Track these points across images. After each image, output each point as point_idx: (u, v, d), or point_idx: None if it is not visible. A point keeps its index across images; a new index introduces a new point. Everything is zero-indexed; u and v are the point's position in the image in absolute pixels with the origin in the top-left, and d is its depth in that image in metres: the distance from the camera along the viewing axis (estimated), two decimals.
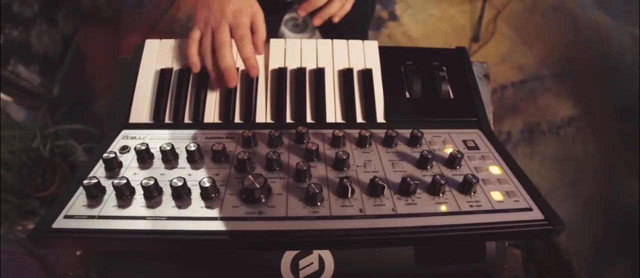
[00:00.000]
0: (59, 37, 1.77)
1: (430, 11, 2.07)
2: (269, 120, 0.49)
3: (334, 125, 0.48)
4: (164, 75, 0.53)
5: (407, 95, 0.52)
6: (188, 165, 0.42)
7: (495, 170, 0.43)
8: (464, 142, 0.47)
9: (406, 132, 0.46)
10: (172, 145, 0.42)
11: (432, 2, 2.11)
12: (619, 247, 1.59)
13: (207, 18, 0.51)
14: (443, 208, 0.37)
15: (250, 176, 0.37)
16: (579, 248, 1.59)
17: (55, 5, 1.74)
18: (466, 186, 0.38)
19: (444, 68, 0.54)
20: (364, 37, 0.95)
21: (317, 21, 0.56)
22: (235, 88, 0.51)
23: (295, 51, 0.54)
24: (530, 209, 0.38)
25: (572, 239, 1.62)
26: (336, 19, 0.58)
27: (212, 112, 0.50)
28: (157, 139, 0.46)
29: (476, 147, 0.47)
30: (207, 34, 0.51)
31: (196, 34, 0.52)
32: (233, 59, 0.50)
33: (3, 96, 1.62)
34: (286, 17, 1.07)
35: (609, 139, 1.81)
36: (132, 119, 0.51)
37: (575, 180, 1.71)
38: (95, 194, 0.37)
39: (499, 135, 1.77)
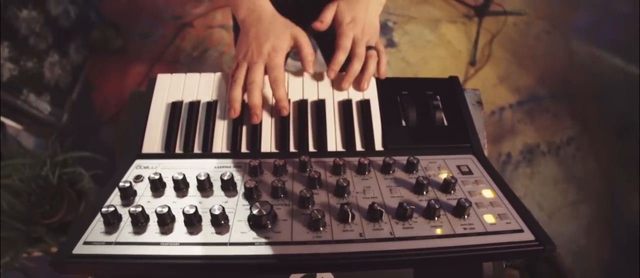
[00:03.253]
0: (69, 68, 1.84)
1: (427, 37, 2.14)
2: (273, 150, 0.52)
3: (335, 154, 0.51)
4: (175, 108, 0.56)
5: (404, 123, 0.55)
6: (198, 194, 0.45)
7: (487, 193, 0.46)
8: (458, 167, 0.50)
9: (403, 159, 0.48)
10: (184, 175, 0.45)
11: (429, 28, 2.19)
12: (624, 267, 1.58)
13: (246, 53, 0.56)
14: (438, 231, 0.39)
15: (257, 203, 0.40)
16: (584, 269, 1.58)
17: (67, 38, 1.83)
18: (460, 210, 0.41)
19: (438, 97, 0.58)
20: None
21: (345, 85, 0.57)
22: (242, 119, 0.54)
23: (297, 84, 0.58)
24: (521, 230, 0.40)
25: (576, 260, 1.61)
26: (365, 86, 0.58)
27: (220, 142, 0.53)
28: (169, 169, 0.49)
29: (470, 172, 0.49)
30: (243, 68, 0.55)
31: (238, 73, 0.55)
32: (260, 99, 0.54)
33: (14, 124, 1.67)
34: None
35: (609, 157, 1.83)
36: (145, 149, 0.54)
37: (577, 200, 1.72)
38: (112, 221, 0.40)
39: (499, 156, 1.80)
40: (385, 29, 2.14)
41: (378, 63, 0.58)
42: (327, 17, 0.59)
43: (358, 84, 0.58)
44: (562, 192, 1.74)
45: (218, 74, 0.61)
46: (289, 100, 0.56)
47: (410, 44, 2.10)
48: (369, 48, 0.58)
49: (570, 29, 2.30)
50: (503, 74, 2.04)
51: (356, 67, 0.56)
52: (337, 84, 0.58)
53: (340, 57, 0.56)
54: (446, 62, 2.06)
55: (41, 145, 1.70)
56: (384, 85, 0.58)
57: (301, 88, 0.58)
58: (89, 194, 1.49)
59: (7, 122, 1.64)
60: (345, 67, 0.58)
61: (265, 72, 0.55)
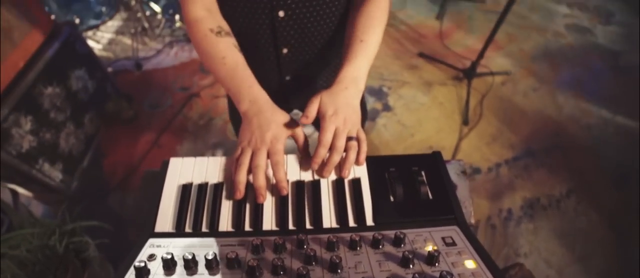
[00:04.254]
0: (83, 137, 1.94)
1: (420, 100, 2.27)
2: (274, 228, 0.58)
3: (330, 230, 0.56)
4: (185, 190, 0.63)
5: (392, 199, 0.61)
6: (206, 272, 0.49)
7: (470, 264, 0.50)
8: (443, 239, 0.54)
9: (391, 233, 0.53)
10: (193, 254, 0.50)
11: (422, 91, 2.32)
12: None
13: (250, 141, 0.63)
14: None
15: None
16: None
17: (84, 110, 1.95)
18: None
19: (423, 172, 0.64)
20: None
21: (326, 174, 0.63)
22: (245, 199, 0.60)
23: (295, 166, 0.65)
24: None
25: None
26: (346, 173, 0.63)
27: (226, 221, 0.59)
28: (179, 247, 0.54)
29: (453, 243, 0.54)
30: (247, 153, 0.62)
31: (243, 158, 0.61)
32: (265, 181, 0.60)
33: (25, 192, 1.72)
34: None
35: (610, 208, 1.84)
36: (158, 229, 0.59)
37: (584, 254, 1.70)
38: None
39: (500, 213, 1.81)
40: (380, 93, 2.28)
41: (359, 152, 0.64)
42: (312, 111, 0.65)
43: (340, 172, 0.63)
44: (568, 246, 1.72)
45: (224, 159, 0.68)
46: (288, 181, 0.63)
47: (405, 107, 2.23)
48: (350, 139, 0.63)
49: (555, 85, 2.44)
50: (496, 132, 2.13)
51: (335, 159, 0.62)
52: (319, 173, 0.64)
53: (322, 152, 0.62)
54: (440, 123, 2.16)
55: (49, 213, 1.74)
56: (373, 164, 0.65)
57: (298, 170, 0.65)
58: (93, 263, 1.50)
59: (20, 190, 1.70)
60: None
61: (267, 156, 0.62)
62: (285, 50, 0.84)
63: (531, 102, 2.32)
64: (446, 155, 1.97)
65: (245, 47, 0.81)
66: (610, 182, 1.93)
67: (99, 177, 1.93)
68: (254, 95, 0.68)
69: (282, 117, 0.66)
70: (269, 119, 0.64)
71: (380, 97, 2.28)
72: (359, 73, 0.70)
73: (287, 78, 0.91)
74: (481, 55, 2.17)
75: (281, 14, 0.76)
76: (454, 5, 3.00)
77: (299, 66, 0.89)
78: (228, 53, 0.71)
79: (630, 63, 2.64)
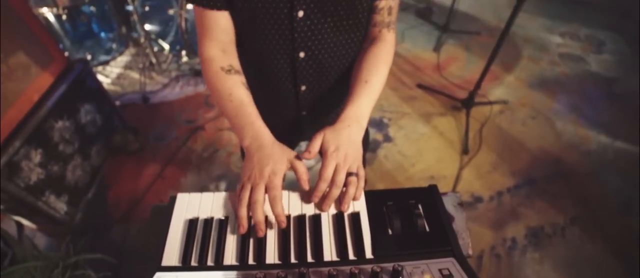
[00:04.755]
0: (89, 169, 1.96)
1: (420, 130, 2.31)
2: (277, 261, 0.60)
3: (331, 263, 0.58)
4: (191, 224, 0.65)
5: (390, 232, 0.63)
6: None
7: None
8: (440, 270, 0.56)
9: (390, 266, 0.55)
10: None
11: (422, 122, 2.37)
12: None
13: (250, 176, 0.66)
14: None
15: None
16: None
17: (91, 142, 1.98)
18: None
19: (419, 205, 0.67)
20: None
21: (325, 208, 0.66)
22: (249, 234, 0.63)
23: (296, 201, 0.68)
24: None
25: None
26: (345, 207, 0.66)
27: (230, 255, 0.61)
28: None
29: (450, 275, 0.55)
30: (247, 188, 0.65)
31: (243, 193, 0.64)
32: (263, 215, 0.62)
33: (29, 224, 1.72)
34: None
35: (617, 235, 1.82)
36: (165, 262, 0.61)
37: None
38: None
39: (504, 242, 1.80)
40: (381, 125, 2.33)
41: (357, 187, 0.67)
42: (314, 147, 0.69)
43: (339, 206, 0.66)
44: (577, 276, 1.69)
45: (228, 194, 0.71)
46: (289, 215, 0.65)
47: (406, 138, 2.26)
48: (350, 174, 0.66)
49: (553, 113, 2.48)
50: (496, 160, 2.15)
51: (334, 193, 0.65)
52: (319, 206, 0.67)
53: (322, 186, 0.65)
54: (440, 153, 2.18)
55: (52, 245, 1.74)
56: (371, 198, 0.68)
57: (300, 205, 0.68)
58: None
59: (25, 222, 1.71)
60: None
61: (266, 191, 0.65)
62: (303, 88, 0.89)
63: (530, 130, 2.35)
64: (447, 185, 2.00)
65: (266, 83, 0.87)
66: (614, 209, 1.93)
67: (103, 209, 1.94)
68: (256, 131, 0.71)
69: (282, 152, 0.69)
70: (268, 154, 0.67)
71: (380, 128, 2.32)
72: (361, 112, 0.75)
73: (304, 113, 0.96)
74: (478, 85, 2.23)
75: (302, 55, 0.82)
76: (451, 38, 3.11)
77: (315, 102, 0.94)
78: (235, 90, 0.76)
79: (624, 89, 2.70)
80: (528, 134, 2.32)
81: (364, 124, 0.75)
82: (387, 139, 2.26)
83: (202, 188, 1.99)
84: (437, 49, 2.98)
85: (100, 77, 2.17)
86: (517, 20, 1.90)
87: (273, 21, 0.76)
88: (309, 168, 1.95)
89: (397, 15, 0.84)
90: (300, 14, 0.75)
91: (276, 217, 0.63)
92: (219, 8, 0.76)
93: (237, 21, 0.80)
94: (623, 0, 3.75)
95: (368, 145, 1.18)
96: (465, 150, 2.17)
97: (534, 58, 2.98)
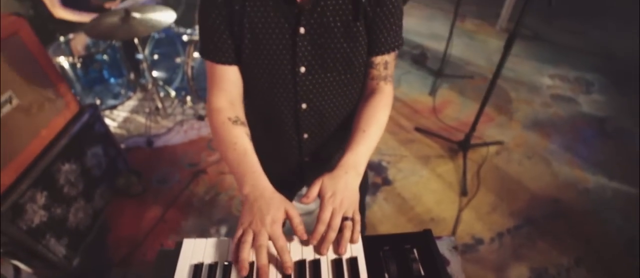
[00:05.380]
0: (91, 212, 1.97)
1: (419, 173, 2.35)
2: None
3: None
4: (197, 269, 0.68)
5: (387, 276, 0.66)
6: None
7: None
8: None
9: None
10: None
11: (420, 164, 2.41)
12: None
13: (251, 222, 0.69)
14: None
15: None
16: None
17: (95, 185, 2.00)
18: None
19: (415, 250, 0.69)
20: (361, 211, 1.13)
21: (323, 251, 0.70)
22: None
23: (297, 246, 0.71)
24: None
25: None
26: (342, 250, 0.69)
27: None
28: None
29: None
30: (249, 233, 0.68)
31: (246, 237, 0.67)
32: (267, 260, 0.65)
33: (26, 268, 1.70)
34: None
35: (623, 276, 1.79)
36: None
37: None
38: None
39: None
40: (380, 168, 2.37)
41: (353, 231, 0.70)
42: (313, 193, 0.74)
43: (336, 249, 0.70)
44: None
45: (232, 240, 0.74)
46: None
47: (405, 181, 2.29)
48: (345, 218, 0.70)
49: (548, 153, 2.53)
50: (495, 201, 2.17)
51: (331, 236, 0.69)
52: (317, 249, 0.70)
53: (320, 229, 0.69)
54: (439, 195, 2.20)
55: None
56: (368, 243, 0.71)
57: (301, 249, 0.71)
58: None
59: (22, 266, 1.69)
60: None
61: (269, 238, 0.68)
62: (306, 136, 0.95)
63: (527, 170, 2.39)
64: (447, 227, 2.01)
65: (271, 132, 0.94)
66: (618, 248, 1.91)
67: (103, 252, 1.93)
68: (256, 180, 0.76)
69: (280, 201, 0.73)
70: (268, 203, 0.71)
71: (379, 171, 2.35)
72: (358, 159, 0.79)
73: (306, 159, 1.01)
74: (473, 127, 2.29)
75: (304, 106, 0.88)
76: (445, 82, 3.24)
77: (317, 148, 0.99)
78: (239, 140, 0.81)
79: (616, 128, 2.77)
80: (525, 174, 2.36)
81: (361, 170, 0.79)
82: (387, 182, 2.28)
83: (203, 232, 2.00)
84: (432, 93, 3.09)
85: (107, 121, 2.24)
86: (508, 63, 2.00)
87: (278, 76, 0.84)
88: (310, 213, 1.98)
89: (393, 69, 0.91)
90: (302, 69, 0.83)
91: (284, 264, 0.65)
92: (229, 63, 0.84)
93: (245, 75, 0.87)
94: (605, 44, 3.99)
95: (367, 189, 1.23)
96: (464, 192, 2.19)
97: (526, 100, 3.08)
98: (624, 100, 3.08)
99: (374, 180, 2.29)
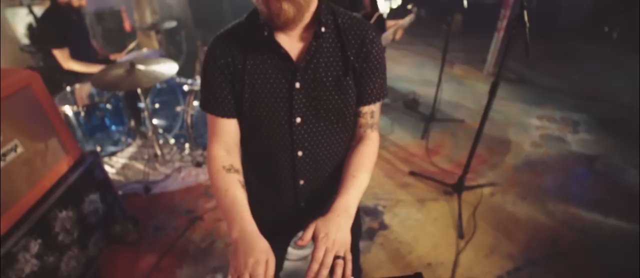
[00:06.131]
0: (84, 260, 1.91)
1: (415, 216, 2.35)
2: None
3: None
4: None
5: None
6: None
7: None
8: None
9: None
10: None
11: (415, 208, 2.42)
12: None
13: (236, 266, 0.74)
14: None
15: None
16: None
17: (90, 233, 1.96)
18: None
19: None
20: (355, 254, 1.15)
21: None
22: None
23: None
24: None
25: None
26: None
27: None
28: None
29: None
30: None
31: None
32: None
33: None
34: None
35: None
36: None
37: None
38: None
39: None
40: (376, 213, 2.37)
41: (344, 269, 0.75)
42: (307, 235, 0.79)
43: None
44: None
45: None
46: None
47: (401, 225, 2.29)
48: (337, 257, 0.75)
49: (542, 193, 2.56)
50: (493, 243, 2.16)
51: (323, 273, 0.74)
52: None
53: (314, 267, 0.74)
54: (436, 238, 2.19)
55: None
56: None
57: None
58: None
59: None
60: None
61: None
62: (301, 182, 1.00)
63: (522, 210, 2.41)
64: (446, 271, 1.99)
65: (268, 178, 1.00)
66: None
67: None
68: (243, 226, 0.81)
69: (263, 245, 0.78)
70: (252, 247, 0.76)
71: (376, 216, 2.35)
72: (349, 203, 0.85)
73: (302, 204, 1.06)
74: (466, 170, 2.34)
75: (300, 153, 0.95)
76: (437, 126, 3.34)
77: (313, 194, 1.04)
78: (231, 187, 0.87)
79: (606, 166, 2.84)
80: (521, 215, 2.37)
81: (352, 213, 0.84)
82: (383, 226, 2.27)
83: None
84: (425, 137, 3.17)
85: (106, 167, 2.26)
86: (496, 106, 2.09)
87: (275, 126, 0.91)
88: (305, 258, 1.97)
89: (379, 117, 1.00)
90: (298, 120, 0.90)
91: None
92: (229, 116, 0.92)
93: (243, 126, 0.95)
94: (587, 86, 4.21)
95: (360, 233, 1.25)
96: (460, 235, 2.19)
97: (516, 140, 3.17)
98: (611, 139, 3.18)
99: (371, 225, 2.28)
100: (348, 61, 0.87)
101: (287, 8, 0.77)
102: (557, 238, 2.19)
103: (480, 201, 2.46)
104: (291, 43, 0.87)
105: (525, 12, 1.63)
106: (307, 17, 0.85)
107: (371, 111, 0.96)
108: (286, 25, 0.82)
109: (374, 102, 0.94)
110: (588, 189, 2.61)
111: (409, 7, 2.62)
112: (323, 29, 0.85)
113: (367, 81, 0.91)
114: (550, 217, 2.35)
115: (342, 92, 0.89)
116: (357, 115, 0.96)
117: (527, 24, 1.62)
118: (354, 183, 0.88)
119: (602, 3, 5.74)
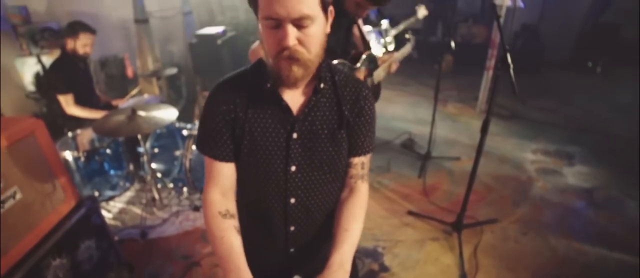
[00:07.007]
0: None
1: (415, 257, 2.31)
2: None
3: None
4: None
5: None
6: None
7: None
8: None
9: None
10: None
11: (415, 248, 2.38)
12: None
13: None
14: None
15: None
16: None
17: None
18: None
19: None
20: None
21: None
22: None
23: None
24: None
25: None
26: None
27: None
28: None
29: None
30: None
31: None
32: None
33: None
34: None
35: None
36: None
37: None
38: None
39: None
40: (375, 254, 2.32)
41: None
42: None
43: None
44: None
45: None
46: None
47: (401, 266, 2.24)
48: None
49: (543, 227, 2.53)
50: None
51: None
52: None
53: None
54: None
55: None
56: None
57: None
58: None
59: None
60: None
61: None
62: (292, 228, 1.02)
63: (524, 246, 2.37)
64: None
65: (260, 222, 1.02)
66: None
67: None
68: (238, 273, 0.83)
69: None
70: None
71: (376, 258, 2.29)
72: (344, 258, 0.88)
73: (292, 250, 1.07)
74: (464, 207, 2.33)
75: (293, 200, 0.98)
76: (433, 164, 3.36)
77: (303, 240, 1.06)
78: (226, 234, 0.90)
79: (604, 199, 2.84)
80: (523, 251, 2.33)
81: (347, 268, 0.87)
82: (384, 268, 2.22)
83: None
84: (421, 175, 3.18)
85: (103, 212, 2.24)
86: (491, 143, 2.13)
87: (271, 173, 0.95)
88: None
89: (368, 167, 1.05)
90: (293, 168, 0.95)
91: None
92: (226, 160, 0.95)
93: (240, 169, 0.98)
94: (577, 118, 4.32)
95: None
96: (462, 275, 2.13)
97: (513, 175, 3.19)
98: (606, 170, 3.21)
99: (371, 267, 2.22)
100: (343, 115, 0.94)
101: (297, 70, 0.83)
102: (561, 274, 2.15)
103: (480, 239, 2.42)
104: (293, 96, 0.93)
105: (508, 55, 1.73)
106: (310, 75, 0.92)
107: (362, 162, 1.01)
108: (294, 85, 0.89)
109: (365, 153, 1.00)
110: (589, 223, 2.59)
111: (407, 36, 2.57)
112: (322, 85, 0.92)
113: (359, 134, 0.97)
114: (553, 253, 2.31)
115: (336, 144, 0.95)
116: (348, 165, 1.02)
117: (511, 65, 1.71)
118: (347, 236, 0.91)
119: (584, 41, 6.04)
